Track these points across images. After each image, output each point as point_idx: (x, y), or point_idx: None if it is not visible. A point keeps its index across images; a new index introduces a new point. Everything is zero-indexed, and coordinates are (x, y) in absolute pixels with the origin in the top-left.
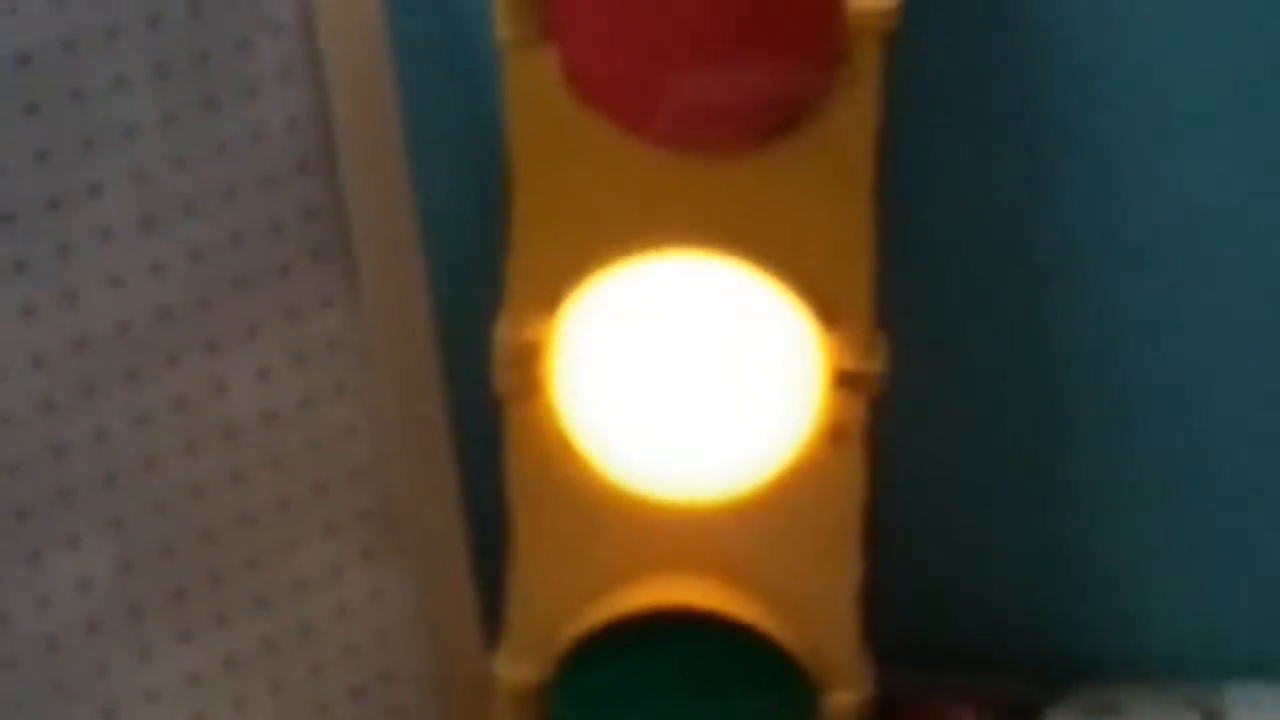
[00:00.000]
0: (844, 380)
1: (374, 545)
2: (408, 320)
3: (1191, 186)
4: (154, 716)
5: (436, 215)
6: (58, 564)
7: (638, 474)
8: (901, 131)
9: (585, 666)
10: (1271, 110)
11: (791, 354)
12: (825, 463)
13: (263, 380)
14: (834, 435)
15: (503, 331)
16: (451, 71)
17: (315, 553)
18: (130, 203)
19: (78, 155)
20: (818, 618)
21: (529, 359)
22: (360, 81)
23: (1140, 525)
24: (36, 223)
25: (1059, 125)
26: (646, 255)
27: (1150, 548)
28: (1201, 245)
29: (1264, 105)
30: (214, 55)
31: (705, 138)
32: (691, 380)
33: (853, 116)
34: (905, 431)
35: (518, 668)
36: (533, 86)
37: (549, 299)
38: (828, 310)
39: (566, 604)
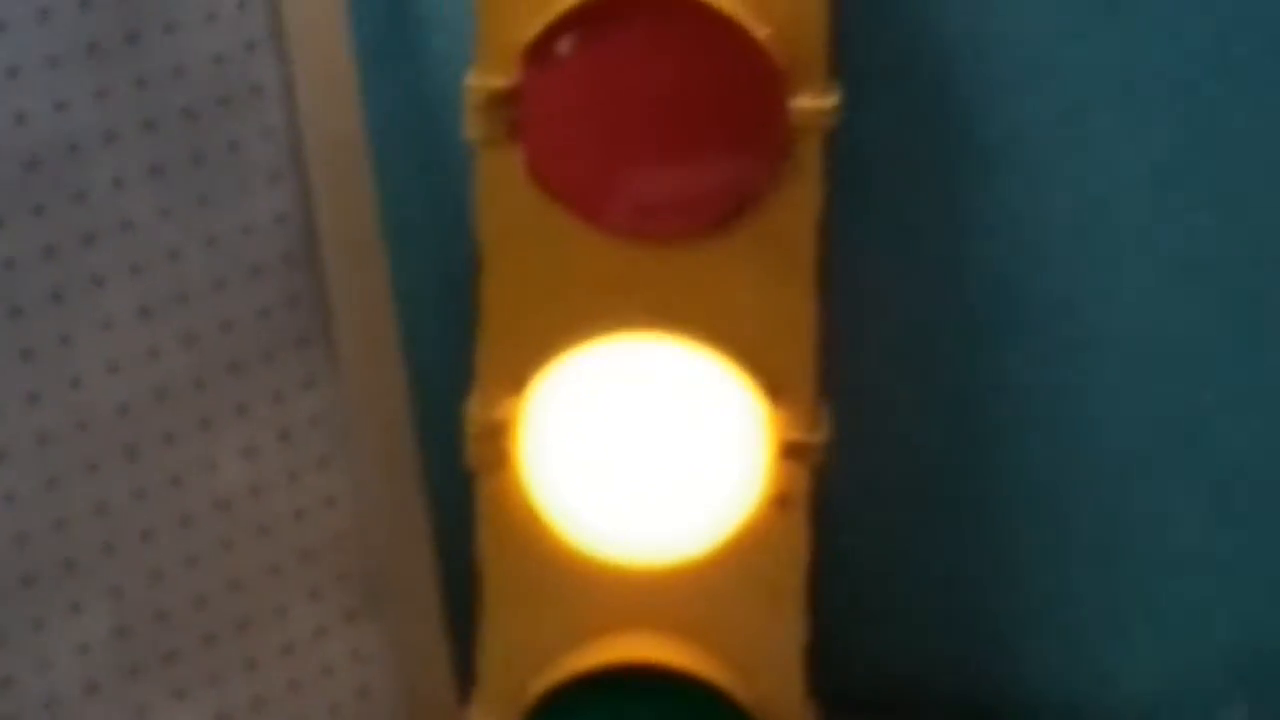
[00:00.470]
0: (789, 450)
1: (356, 608)
2: (385, 399)
3: (1098, 263)
4: None
5: (412, 302)
6: (60, 629)
7: (599, 539)
8: (837, 218)
9: (552, 718)
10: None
11: (740, 426)
12: (772, 527)
13: (251, 456)
14: (780, 501)
15: (473, 409)
16: (426, 169)
17: (301, 616)
18: (129, 293)
19: (80, 250)
20: (766, 671)
21: (498, 434)
22: (342, 181)
23: (1063, 582)
24: (42, 313)
25: (973, 210)
26: (606, 337)
27: (1075, 601)
28: (1108, 315)
29: (1195, 199)
30: (208, 157)
31: (659, 227)
32: (649, 452)
33: (796, 207)
34: (845, 496)
35: None
36: (501, 182)
37: (516, 379)
38: (774, 386)
39: (533, 660)
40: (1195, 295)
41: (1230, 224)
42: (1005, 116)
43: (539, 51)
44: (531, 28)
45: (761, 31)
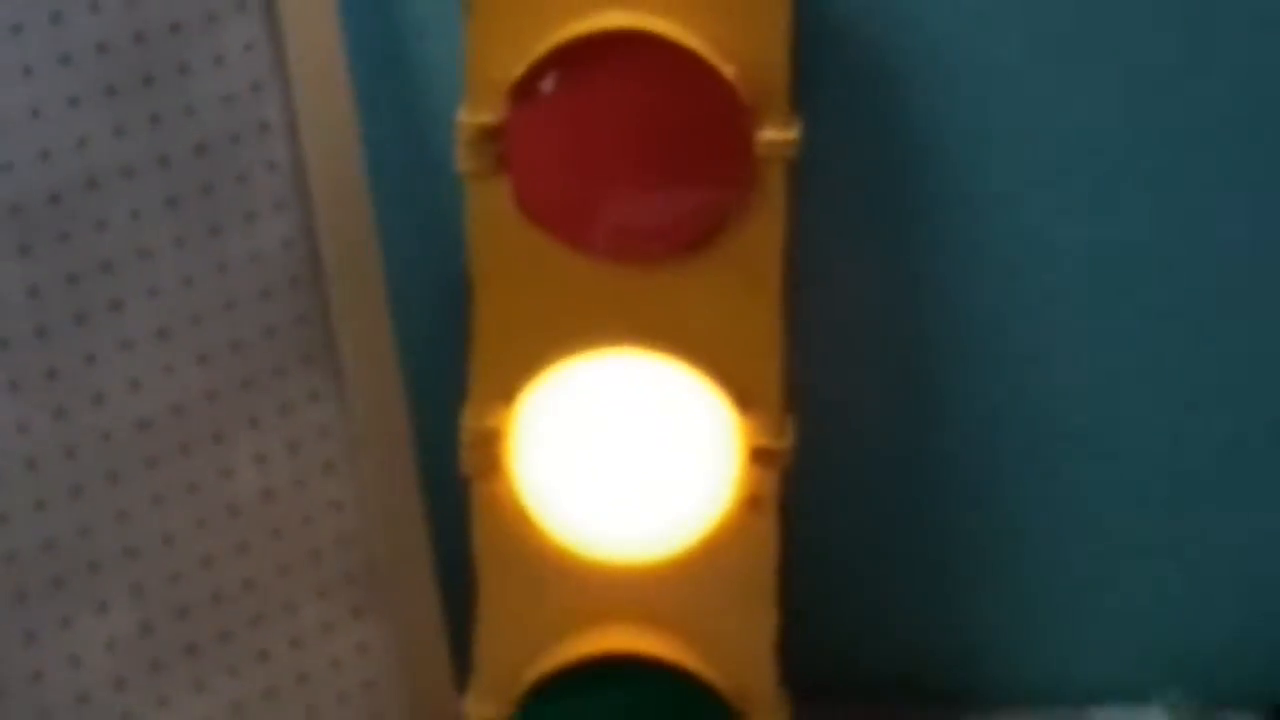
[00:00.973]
0: (758, 457)
1: (361, 605)
2: (386, 411)
3: (1043, 277)
4: None
5: (409, 320)
6: (87, 627)
7: (585, 538)
8: (803, 242)
9: (542, 705)
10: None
11: (713, 434)
12: (744, 527)
13: (262, 464)
14: (751, 503)
15: (467, 419)
16: (421, 199)
17: (310, 612)
18: (147, 315)
19: (101, 276)
20: (740, 659)
21: (490, 442)
22: (343, 210)
23: (1019, 579)
24: (66, 335)
25: (930, 233)
26: (589, 352)
27: (1030, 596)
28: (1061, 323)
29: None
30: (218, 189)
31: (637, 251)
32: (629, 457)
33: (763, 231)
34: (812, 497)
35: (484, 707)
36: (490, 210)
37: (506, 391)
38: (744, 396)
39: (525, 651)
40: (1145, 300)
41: (1178, 230)
42: (961, 148)
43: (523, 90)
44: (516, 68)
45: (729, 70)
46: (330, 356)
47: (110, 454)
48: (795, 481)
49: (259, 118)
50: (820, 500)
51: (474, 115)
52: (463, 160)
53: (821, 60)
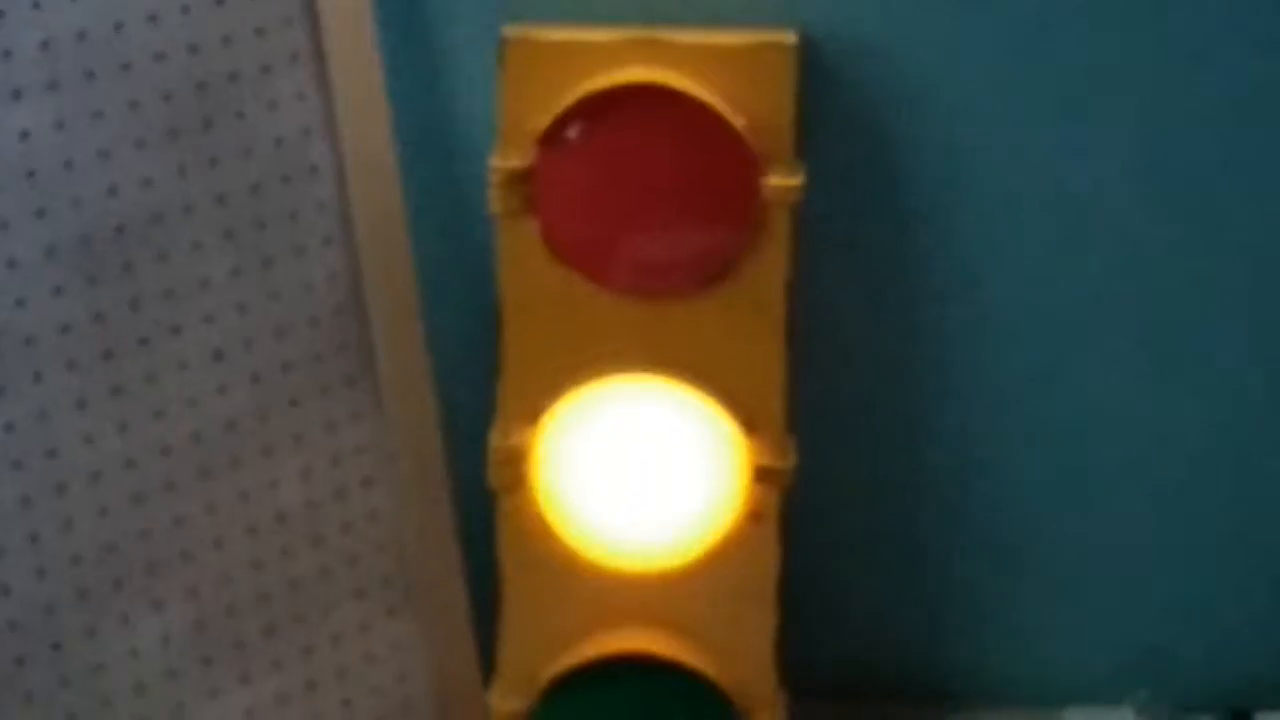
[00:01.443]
0: (761, 475)
1: (395, 606)
2: (420, 430)
3: (1040, 301)
4: None
5: (444, 347)
6: (145, 624)
7: (601, 548)
8: (805, 278)
9: (560, 699)
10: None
11: (720, 454)
12: (747, 538)
13: (307, 477)
14: (754, 517)
15: (495, 438)
16: (455, 237)
17: (349, 612)
18: (204, 340)
19: (163, 303)
20: (742, 660)
21: (516, 460)
22: (384, 245)
23: (997, 578)
24: (130, 356)
25: (924, 273)
26: (609, 378)
27: (1012, 602)
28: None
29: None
30: (270, 225)
31: (654, 286)
32: (643, 475)
33: (768, 269)
34: (811, 512)
35: (508, 701)
36: (519, 248)
37: (532, 412)
38: (748, 420)
39: (545, 650)
40: (1116, 323)
41: (1180, 268)
42: (955, 199)
43: (551, 137)
44: (545, 117)
45: (739, 121)
46: (370, 379)
47: (168, 466)
48: (798, 490)
49: (308, 161)
50: (818, 511)
51: (505, 160)
52: (495, 202)
53: (824, 113)
